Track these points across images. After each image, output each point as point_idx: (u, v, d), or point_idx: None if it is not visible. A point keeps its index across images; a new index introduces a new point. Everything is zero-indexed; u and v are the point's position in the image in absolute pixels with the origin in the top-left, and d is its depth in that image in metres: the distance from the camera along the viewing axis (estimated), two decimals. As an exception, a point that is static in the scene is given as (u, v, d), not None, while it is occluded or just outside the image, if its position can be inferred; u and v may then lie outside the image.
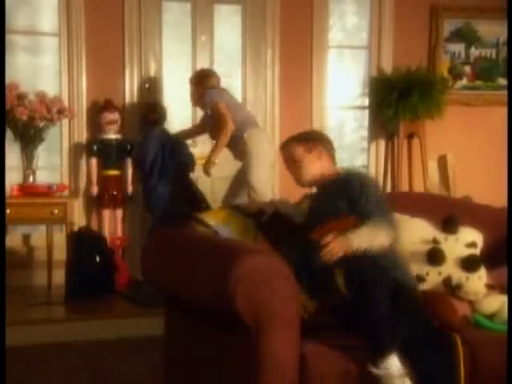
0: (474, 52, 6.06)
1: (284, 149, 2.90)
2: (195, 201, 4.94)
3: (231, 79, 5.53)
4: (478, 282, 2.82)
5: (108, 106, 5.14)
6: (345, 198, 2.68)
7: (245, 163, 4.87)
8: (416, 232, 2.90)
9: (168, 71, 5.52)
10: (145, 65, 5.43)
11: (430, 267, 2.81)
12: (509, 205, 4.58)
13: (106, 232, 5.16)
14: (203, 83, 5.00)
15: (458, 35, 5.99)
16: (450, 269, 2.82)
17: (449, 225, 2.90)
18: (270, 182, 5.04)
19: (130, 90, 5.37)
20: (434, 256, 2.80)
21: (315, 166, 2.85)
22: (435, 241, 2.86)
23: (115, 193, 5.21)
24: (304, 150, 2.85)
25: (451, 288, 2.80)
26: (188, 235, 2.73)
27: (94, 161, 5.18)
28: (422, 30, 5.93)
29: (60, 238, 4.99)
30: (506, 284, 2.82)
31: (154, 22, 5.34)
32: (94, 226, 5.19)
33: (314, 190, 2.91)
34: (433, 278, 2.81)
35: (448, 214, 2.94)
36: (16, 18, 5.18)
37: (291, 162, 2.87)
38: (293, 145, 2.87)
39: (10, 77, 4.92)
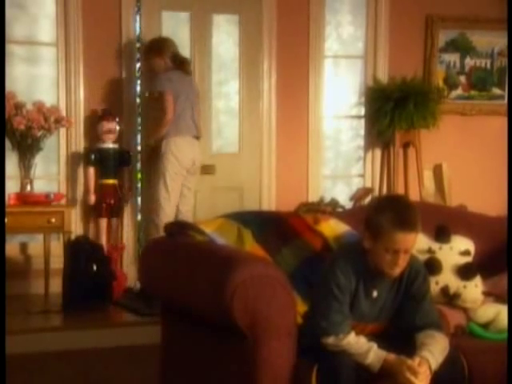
0: (469, 62, 6.07)
1: (409, 239, 2.31)
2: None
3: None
4: (475, 289, 2.84)
5: (106, 115, 5.14)
6: (408, 296, 2.44)
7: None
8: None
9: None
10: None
11: (428, 277, 2.80)
12: (509, 211, 4.60)
13: (103, 241, 5.16)
14: (163, 52, 5.05)
15: (453, 45, 6.01)
16: (447, 278, 2.83)
17: (441, 234, 2.91)
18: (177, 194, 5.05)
19: (128, 99, 5.39)
20: (431, 265, 2.78)
21: None
22: (430, 250, 2.86)
23: (112, 202, 5.21)
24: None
25: (449, 297, 2.81)
26: (185, 243, 2.74)
27: (91, 170, 5.18)
28: (418, 40, 5.95)
29: (57, 247, 5.00)
30: (502, 293, 2.82)
31: (152, 32, 5.35)
32: (91, 234, 5.19)
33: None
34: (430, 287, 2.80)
35: (440, 223, 2.96)
36: (14, 28, 5.19)
37: (402, 252, 2.32)
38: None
39: (7, 86, 4.92)
